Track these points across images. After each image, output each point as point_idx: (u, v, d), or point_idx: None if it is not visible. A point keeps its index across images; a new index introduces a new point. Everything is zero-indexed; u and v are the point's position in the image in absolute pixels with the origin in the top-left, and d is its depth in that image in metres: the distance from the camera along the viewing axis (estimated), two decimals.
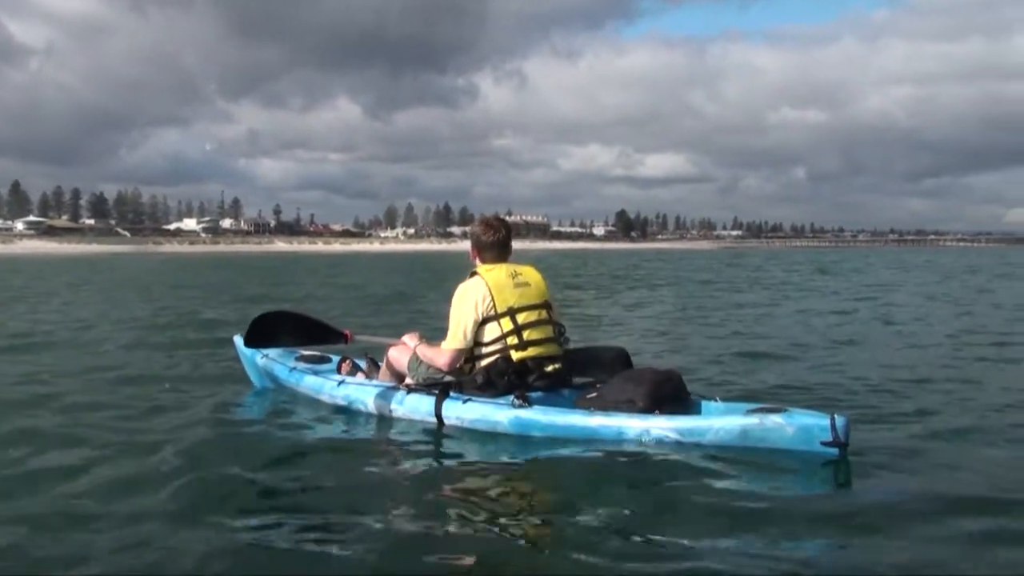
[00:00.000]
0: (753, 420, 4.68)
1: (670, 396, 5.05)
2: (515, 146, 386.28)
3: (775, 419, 4.63)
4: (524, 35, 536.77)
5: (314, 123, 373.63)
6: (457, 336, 5.37)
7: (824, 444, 4.49)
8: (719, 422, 4.76)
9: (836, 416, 4.53)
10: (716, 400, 5.25)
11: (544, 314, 5.46)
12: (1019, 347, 9.83)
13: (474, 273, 5.47)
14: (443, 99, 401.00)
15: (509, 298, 5.34)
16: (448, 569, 3.32)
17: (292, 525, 3.76)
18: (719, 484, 4.22)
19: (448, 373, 5.48)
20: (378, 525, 3.72)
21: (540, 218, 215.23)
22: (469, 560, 3.39)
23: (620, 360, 5.57)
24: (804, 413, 4.69)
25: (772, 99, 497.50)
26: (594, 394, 5.15)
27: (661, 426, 4.79)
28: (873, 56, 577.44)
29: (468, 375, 5.42)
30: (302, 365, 6.56)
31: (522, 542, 3.62)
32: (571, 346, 5.64)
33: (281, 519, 3.84)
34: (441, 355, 5.47)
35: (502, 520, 3.84)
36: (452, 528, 3.73)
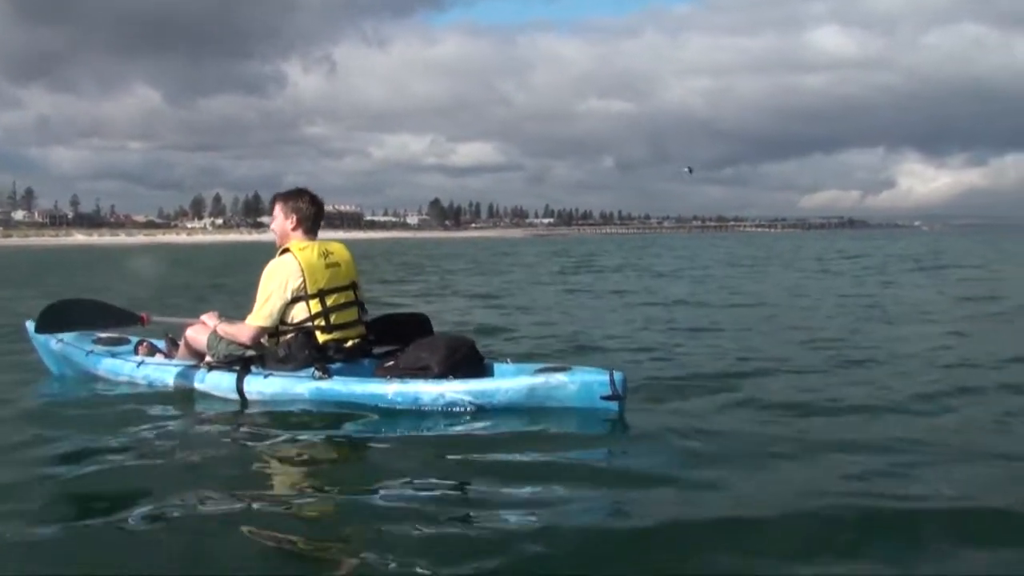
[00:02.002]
0: (540, 379, 5.02)
1: (463, 361, 5.30)
2: (326, 134, 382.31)
3: (559, 377, 4.98)
4: (333, 22, 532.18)
5: (111, 110, 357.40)
6: (263, 313, 5.38)
7: (604, 398, 4.88)
8: (508, 383, 5.07)
9: (614, 372, 4.93)
10: (508, 362, 5.54)
11: (351, 295, 5.56)
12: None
13: (286, 250, 5.47)
14: (250, 86, 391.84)
15: (320, 279, 5.38)
16: (251, 545, 3.29)
17: (96, 512, 3.67)
18: (511, 441, 4.55)
19: (250, 348, 5.52)
20: (183, 504, 3.67)
21: (353, 207, 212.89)
22: (270, 534, 3.38)
23: (420, 326, 5.74)
24: (586, 370, 5.06)
25: (579, 89, 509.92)
26: (391, 362, 5.36)
27: (455, 389, 5.05)
28: (674, 49, 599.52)
29: (270, 350, 5.47)
30: (99, 348, 6.41)
31: (325, 511, 3.74)
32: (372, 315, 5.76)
33: (85, 506, 3.77)
34: (244, 331, 5.47)
35: (306, 491, 3.99)
36: (255, 504, 3.71)
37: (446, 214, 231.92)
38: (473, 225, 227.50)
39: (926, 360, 7.15)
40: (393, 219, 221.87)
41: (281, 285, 5.34)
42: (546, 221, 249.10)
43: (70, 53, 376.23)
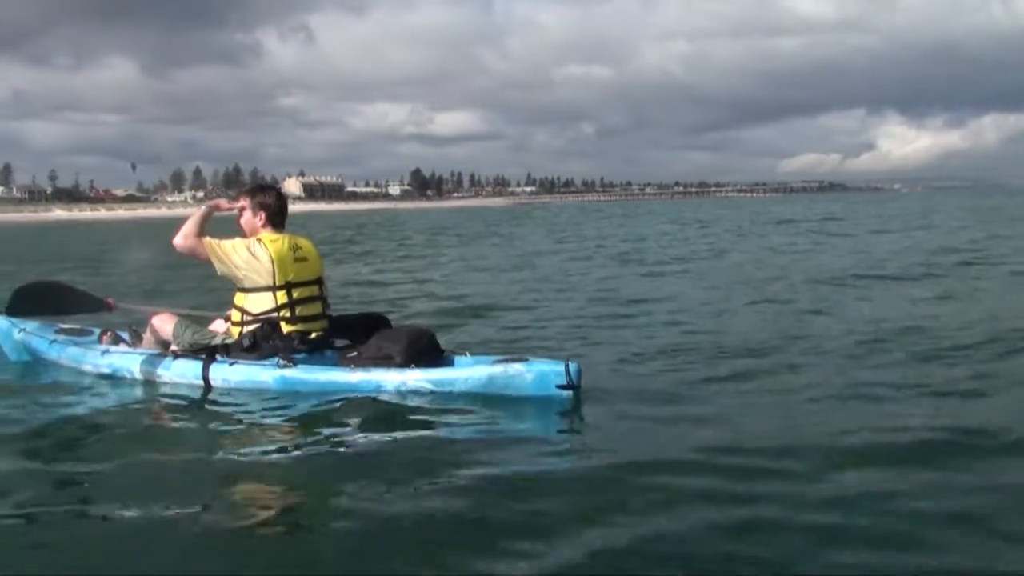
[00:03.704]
0: (498, 369, 5.16)
1: (424, 351, 5.42)
2: (303, 105, 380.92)
3: (517, 367, 5.13)
4: None
5: (86, 83, 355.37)
6: (213, 248, 5.43)
7: (559, 387, 5.03)
8: (468, 372, 5.22)
9: (569, 363, 5.07)
10: (467, 354, 5.66)
11: (317, 290, 5.67)
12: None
13: (259, 240, 5.54)
14: (226, 56, 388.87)
15: (289, 272, 5.49)
16: (215, 530, 3.36)
17: (60, 504, 3.72)
18: (470, 427, 4.70)
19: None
20: (147, 496, 3.68)
21: (334, 179, 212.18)
22: (233, 519, 3.47)
23: (379, 325, 5.84)
24: (542, 361, 5.22)
25: (557, 55, 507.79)
26: (355, 353, 5.46)
27: (416, 378, 5.18)
28: (649, 13, 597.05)
29: (235, 340, 5.55)
30: (62, 337, 6.42)
31: (290, 498, 3.85)
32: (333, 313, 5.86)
33: (48, 498, 3.80)
34: (181, 240, 5.51)
35: (271, 476, 4.09)
36: (220, 489, 3.80)
37: (428, 184, 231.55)
38: (455, 195, 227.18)
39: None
40: (375, 190, 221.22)
41: (244, 257, 5.43)
42: (528, 190, 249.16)
43: (42, 24, 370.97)
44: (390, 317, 6.00)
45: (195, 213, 5.69)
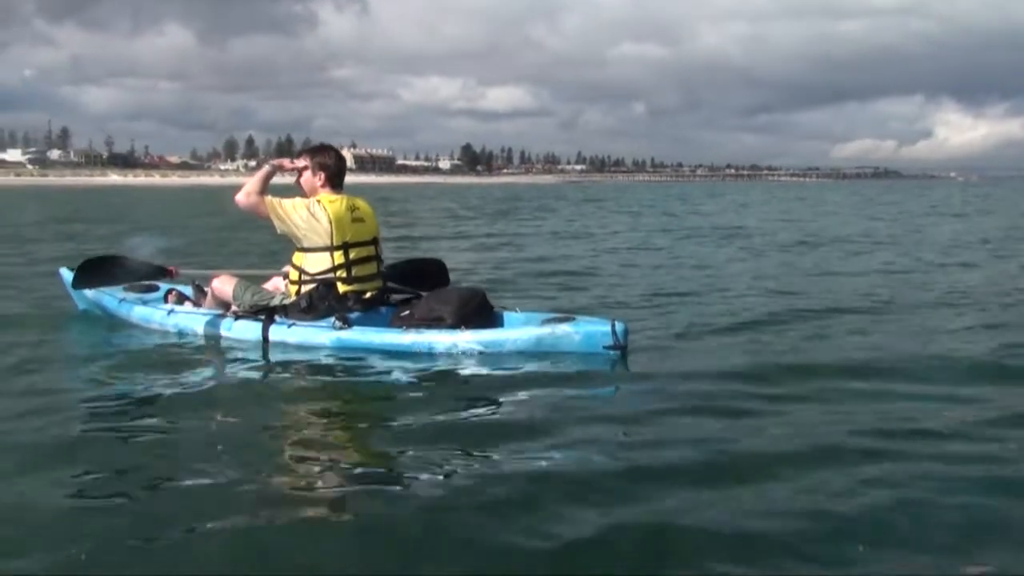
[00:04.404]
0: (546, 330, 5.34)
1: (475, 312, 5.58)
2: (355, 76, 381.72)
3: (565, 327, 5.30)
4: None
5: (143, 49, 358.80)
6: (274, 206, 5.59)
7: (606, 347, 5.18)
8: (516, 333, 5.40)
9: (616, 323, 5.22)
10: (516, 311, 5.83)
11: (373, 250, 5.85)
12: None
13: (318, 200, 5.70)
14: (280, 26, 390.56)
15: (346, 232, 5.66)
16: (276, 485, 3.48)
17: (126, 458, 3.83)
18: (519, 387, 4.82)
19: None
20: (205, 457, 3.73)
21: (385, 151, 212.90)
22: (292, 475, 3.63)
23: (438, 270, 6.03)
24: (590, 321, 5.38)
25: (612, 33, 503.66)
26: (407, 312, 5.64)
27: (467, 339, 5.35)
28: None
29: (293, 300, 5.75)
30: (131, 295, 6.66)
31: (345, 453, 3.97)
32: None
33: (115, 450, 3.94)
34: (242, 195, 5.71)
35: (327, 434, 4.28)
36: (280, 450, 3.93)
37: (478, 159, 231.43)
38: (505, 171, 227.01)
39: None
40: (425, 163, 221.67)
41: (302, 216, 5.60)
42: (578, 168, 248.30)
43: None
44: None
45: (258, 172, 5.89)
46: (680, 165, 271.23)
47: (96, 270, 6.36)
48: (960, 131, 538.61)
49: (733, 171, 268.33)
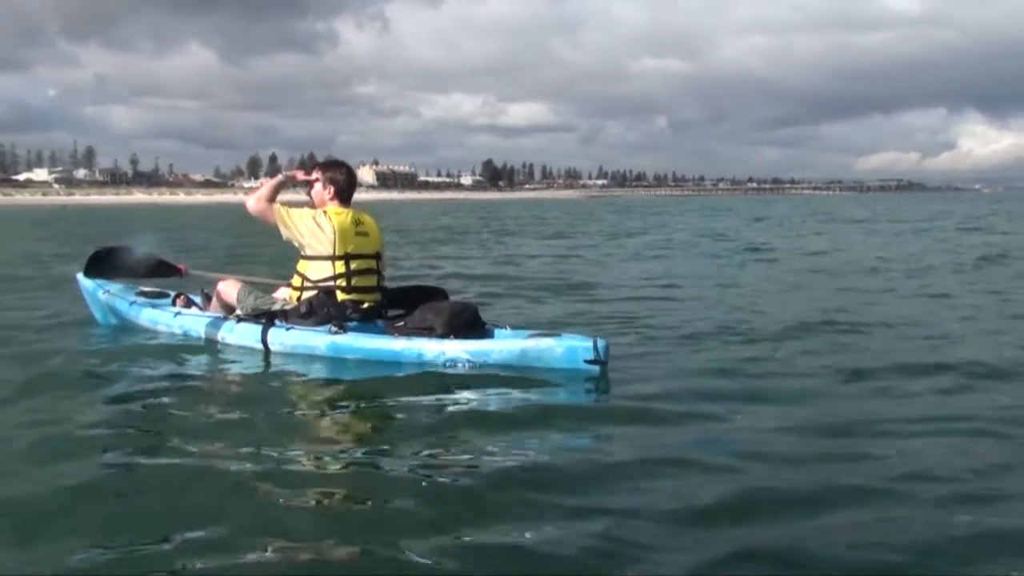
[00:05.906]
0: (530, 343, 5.54)
1: (465, 324, 5.79)
2: (377, 93, 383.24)
3: (548, 341, 5.50)
4: None
5: (166, 69, 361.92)
6: (281, 214, 5.92)
7: (587, 362, 5.37)
8: (502, 344, 5.62)
9: (597, 339, 5.42)
10: (506, 328, 6.04)
11: (374, 264, 6.10)
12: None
13: (324, 212, 5.98)
14: (302, 45, 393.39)
15: (349, 243, 5.92)
16: (266, 483, 3.59)
17: (131, 448, 4.07)
18: (502, 396, 5.05)
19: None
20: (202, 448, 4.01)
21: (407, 168, 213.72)
22: (283, 472, 3.75)
23: (433, 296, 6.21)
24: (573, 337, 5.56)
25: (632, 47, 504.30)
26: (401, 323, 5.87)
27: (454, 348, 5.57)
28: (728, 5, 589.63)
29: (293, 305, 5.99)
30: (141, 299, 7.02)
31: (334, 452, 4.12)
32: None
33: (123, 441, 4.19)
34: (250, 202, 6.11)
35: (319, 433, 4.50)
36: (271, 446, 4.05)
37: (499, 175, 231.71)
38: (527, 186, 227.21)
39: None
40: (447, 179, 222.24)
41: (308, 226, 5.89)
42: (600, 183, 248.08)
43: (127, 10, 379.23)
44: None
45: (270, 180, 6.21)
46: (702, 179, 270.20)
47: (106, 260, 6.66)
48: (984, 142, 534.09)
49: (755, 185, 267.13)
